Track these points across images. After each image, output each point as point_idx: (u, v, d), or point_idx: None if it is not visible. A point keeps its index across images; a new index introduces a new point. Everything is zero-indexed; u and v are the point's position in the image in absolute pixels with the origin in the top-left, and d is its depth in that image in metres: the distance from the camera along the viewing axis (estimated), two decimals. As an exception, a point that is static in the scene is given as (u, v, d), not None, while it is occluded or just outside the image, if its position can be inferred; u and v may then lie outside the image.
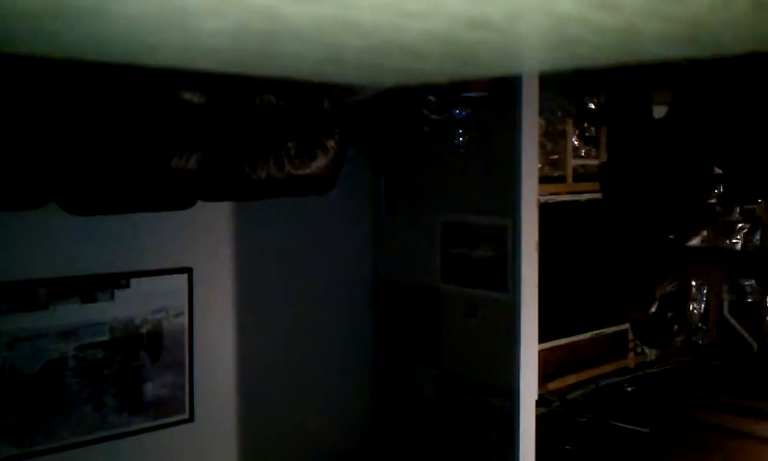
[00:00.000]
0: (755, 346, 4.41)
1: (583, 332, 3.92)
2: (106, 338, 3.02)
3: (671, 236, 4.14)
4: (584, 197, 3.82)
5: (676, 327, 4.26)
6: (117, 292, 3.05)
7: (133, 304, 3.08)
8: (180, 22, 0.61)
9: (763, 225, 4.42)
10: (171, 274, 3.19)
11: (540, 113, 3.34)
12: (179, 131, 2.56)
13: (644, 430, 3.74)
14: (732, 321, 4.46)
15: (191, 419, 3.26)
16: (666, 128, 3.87)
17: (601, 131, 4.07)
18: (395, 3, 0.58)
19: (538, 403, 3.38)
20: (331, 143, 2.90)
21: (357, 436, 3.87)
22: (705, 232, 4.38)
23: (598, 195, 3.96)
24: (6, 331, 2.78)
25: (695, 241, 4.31)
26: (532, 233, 3.23)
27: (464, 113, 3.30)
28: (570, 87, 3.75)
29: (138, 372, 3.11)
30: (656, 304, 4.18)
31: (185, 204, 2.81)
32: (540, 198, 3.34)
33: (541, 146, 3.42)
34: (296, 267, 3.62)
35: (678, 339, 4.37)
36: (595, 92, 3.87)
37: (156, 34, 0.66)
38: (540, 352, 3.36)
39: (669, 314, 4.22)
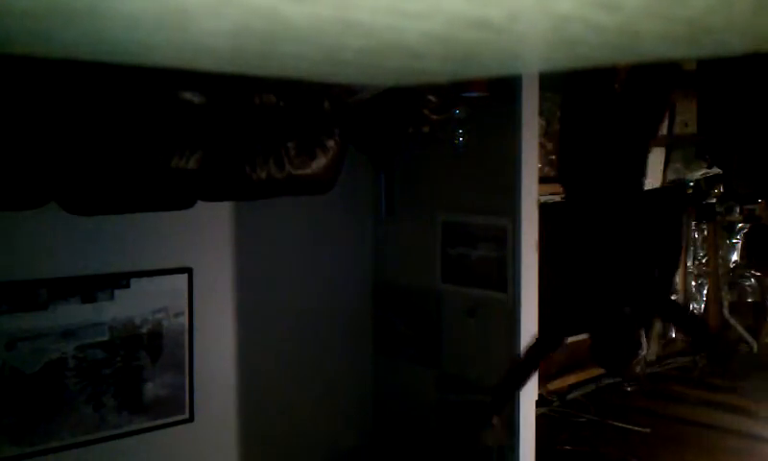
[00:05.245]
0: (755, 346, 4.41)
1: (583, 332, 3.91)
2: (106, 338, 3.02)
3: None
4: (584, 197, 3.81)
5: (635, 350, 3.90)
6: (117, 292, 3.04)
7: (133, 304, 3.08)
8: (178, 22, 0.61)
9: (763, 224, 4.43)
10: (171, 274, 3.19)
11: (540, 113, 3.34)
12: (178, 131, 2.56)
13: (644, 430, 3.74)
14: (732, 321, 4.46)
15: (191, 419, 3.26)
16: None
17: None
18: (394, 3, 0.57)
19: (538, 403, 3.38)
20: (331, 143, 2.90)
21: (357, 436, 3.87)
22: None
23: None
24: (6, 331, 2.78)
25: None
26: (532, 233, 3.23)
27: (464, 113, 3.29)
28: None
29: (138, 372, 3.11)
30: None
31: (185, 204, 2.81)
32: (540, 198, 3.34)
33: (541, 146, 3.41)
34: (296, 267, 3.61)
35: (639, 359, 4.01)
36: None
37: (155, 33, 0.65)
38: (540, 352, 3.36)
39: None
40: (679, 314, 3.35)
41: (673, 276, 3.49)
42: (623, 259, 2.72)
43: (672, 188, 3.86)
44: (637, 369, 4.15)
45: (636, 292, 2.74)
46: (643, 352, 4.05)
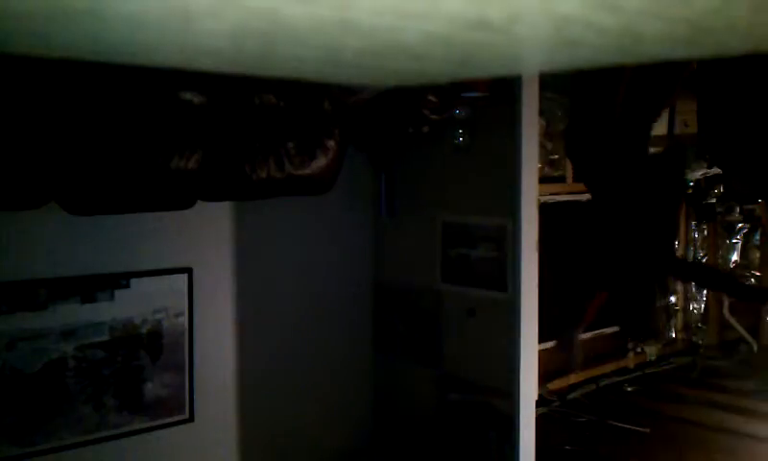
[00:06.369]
0: (755, 346, 4.41)
1: (583, 332, 3.91)
2: (106, 338, 3.02)
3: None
4: (584, 197, 3.81)
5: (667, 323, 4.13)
6: (117, 292, 3.04)
7: (133, 304, 3.08)
8: (178, 22, 0.61)
9: (763, 225, 4.42)
10: (171, 274, 3.19)
11: (540, 113, 3.34)
12: (178, 131, 2.56)
13: (644, 430, 3.74)
14: (732, 321, 4.46)
15: (191, 419, 3.26)
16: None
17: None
18: (394, 4, 0.57)
19: (538, 403, 3.38)
20: (331, 143, 2.90)
21: (357, 436, 3.87)
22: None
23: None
24: (6, 331, 2.78)
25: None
26: (532, 233, 3.22)
27: (464, 113, 3.29)
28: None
29: (138, 372, 3.11)
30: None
31: (185, 204, 2.81)
32: (540, 198, 3.34)
33: (541, 146, 3.41)
34: (296, 267, 3.62)
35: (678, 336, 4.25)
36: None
37: (156, 34, 0.65)
38: (540, 352, 3.36)
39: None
40: (691, 269, 3.38)
41: (671, 233, 3.54)
42: (636, 227, 2.85)
43: (671, 151, 3.84)
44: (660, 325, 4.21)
45: (647, 255, 2.89)
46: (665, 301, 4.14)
